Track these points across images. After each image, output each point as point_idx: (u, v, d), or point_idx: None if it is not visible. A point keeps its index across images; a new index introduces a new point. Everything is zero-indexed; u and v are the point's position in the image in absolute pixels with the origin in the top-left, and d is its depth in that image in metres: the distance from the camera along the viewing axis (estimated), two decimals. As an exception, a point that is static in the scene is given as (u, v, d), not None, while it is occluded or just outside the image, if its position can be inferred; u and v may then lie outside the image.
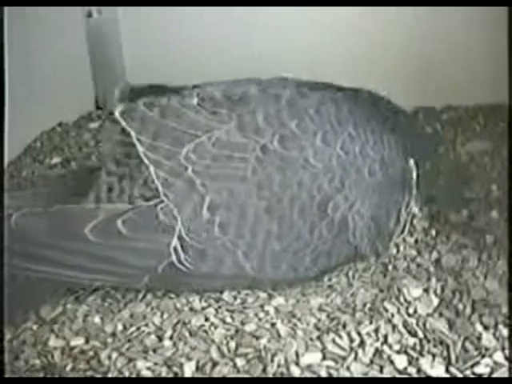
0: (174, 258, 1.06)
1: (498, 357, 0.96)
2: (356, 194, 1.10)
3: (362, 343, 1.00)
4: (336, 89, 1.21)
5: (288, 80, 1.22)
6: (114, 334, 1.06)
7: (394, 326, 1.03)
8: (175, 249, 1.06)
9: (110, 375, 0.97)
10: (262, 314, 1.08)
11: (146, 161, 1.07)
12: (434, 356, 0.97)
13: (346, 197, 1.09)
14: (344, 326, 1.04)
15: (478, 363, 0.96)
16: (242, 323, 1.06)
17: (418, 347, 0.99)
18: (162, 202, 1.06)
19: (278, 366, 0.97)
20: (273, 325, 1.05)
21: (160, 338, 1.04)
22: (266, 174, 1.06)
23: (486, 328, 1.02)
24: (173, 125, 1.08)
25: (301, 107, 1.12)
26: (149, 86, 1.19)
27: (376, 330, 1.03)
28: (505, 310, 1.04)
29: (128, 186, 1.12)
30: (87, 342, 1.04)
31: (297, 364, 0.97)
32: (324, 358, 0.98)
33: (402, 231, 1.23)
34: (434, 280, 1.13)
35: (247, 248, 1.08)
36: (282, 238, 1.08)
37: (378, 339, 1.01)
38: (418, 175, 1.18)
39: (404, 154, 1.17)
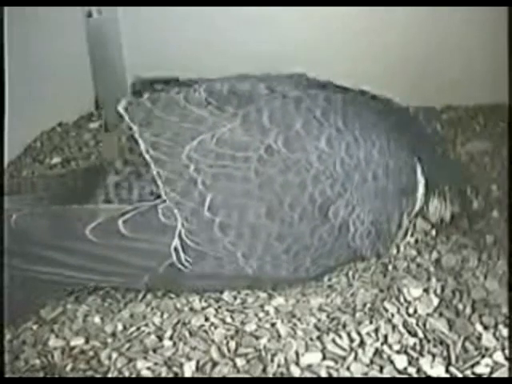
0: (174, 258, 1.06)
1: (498, 357, 0.96)
2: (358, 198, 1.09)
3: (362, 343, 1.00)
4: (342, 90, 1.20)
5: (297, 77, 1.20)
6: (113, 334, 1.06)
7: (394, 326, 1.03)
8: (176, 249, 1.06)
9: (110, 375, 0.97)
10: (261, 314, 1.08)
11: (148, 158, 1.06)
12: (433, 356, 0.97)
13: (347, 201, 1.08)
14: (344, 326, 1.04)
15: (478, 363, 0.96)
16: (242, 323, 1.06)
17: (417, 347, 0.99)
18: (163, 202, 1.06)
19: (278, 365, 0.97)
20: (273, 325, 1.05)
21: (160, 338, 1.04)
22: (269, 175, 1.05)
23: (485, 328, 1.02)
24: (176, 121, 1.07)
25: (307, 108, 1.10)
26: (157, 80, 1.18)
27: (376, 330, 1.03)
28: (505, 309, 1.04)
29: (136, 184, 1.12)
30: (87, 342, 1.04)
31: (297, 364, 0.97)
32: (324, 357, 0.98)
33: (405, 236, 1.23)
34: (433, 280, 1.13)
35: (247, 249, 1.07)
36: (282, 240, 1.08)
37: (378, 339, 1.01)
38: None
39: (409, 156, 1.16)
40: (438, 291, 1.10)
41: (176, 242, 1.05)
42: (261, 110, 1.08)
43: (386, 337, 1.01)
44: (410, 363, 0.97)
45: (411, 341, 1.00)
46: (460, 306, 1.06)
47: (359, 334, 1.02)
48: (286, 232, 1.07)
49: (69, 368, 0.99)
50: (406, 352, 0.98)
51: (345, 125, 1.10)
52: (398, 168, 1.13)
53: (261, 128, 1.07)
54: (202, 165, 1.05)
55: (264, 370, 0.96)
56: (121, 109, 1.09)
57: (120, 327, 1.07)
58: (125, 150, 1.15)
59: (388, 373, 0.95)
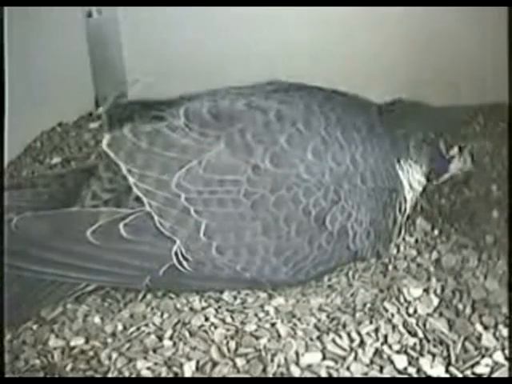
0: (175, 261, 1.06)
1: (498, 357, 0.96)
2: (352, 202, 1.10)
3: (362, 343, 1.00)
4: (321, 93, 1.18)
5: (275, 86, 1.19)
6: (114, 334, 1.06)
7: (394, 326, 1.03)
8: (176, 253, 1.06)
9: (110, 375, 0.97)
10: (261, 314, 1.08)
11: (138, 192, 1.06)
12: (434, 356, 0.97)
13: (342, 207, 1.09)
14: (344, 326, 1.04)
15: (478, 363, 0.96)
16: (242, 323, 1.06)
17: (417, 347, 0.99)
18: None
19: (278, 366, 0.97)
20: (273, 325, 1.05)
21: (160, 338, 1.04)
22: (260, 194, 1.06)
23: (486, 328, 1.02)
24: (162, 152, 1.06)
25: (289, 121, 1.09)
26: (131, 103, 1.17)
27: (376, 330, 1.03)
28: (505, 310, 1.04)
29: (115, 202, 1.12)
30: (87, 342, 1.04)
31: (297, 364, 0.97)
32: (324, 358, 0.98)
33: (400, 232, 1.23)
34: (434, 280, 1.13)
35: (246, 264, 1.09)
36: (280, 254, 1.09)
37: (377, 339, 1.01)
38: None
39: (389, 154, 1.17)
40: (438, 291, 1.10)
41: (176, 246, 1.06)
42: (243, 130, 1.07)
43: (386, 337, 1.01)
44: (410, 363, 0.97)
45: (411, 341, 1.00)
46: (460, 306, 1.06)
47: (359, 334, 1.02)
48: (285, 246, 1.08)
49: (69, 368, 0.99)
50: (406, 352, 0.99)
51: (328, 132, 1.10)
52: (383, 167, 1.14)
53: (245, 148, 1.06)
54: (193, 193, 1.05)
55: (264, 370, 0.96)
56: (104, 145, 1.08)
57: (120, 327, 1.07)
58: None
59: (388, 373, 0.95)
